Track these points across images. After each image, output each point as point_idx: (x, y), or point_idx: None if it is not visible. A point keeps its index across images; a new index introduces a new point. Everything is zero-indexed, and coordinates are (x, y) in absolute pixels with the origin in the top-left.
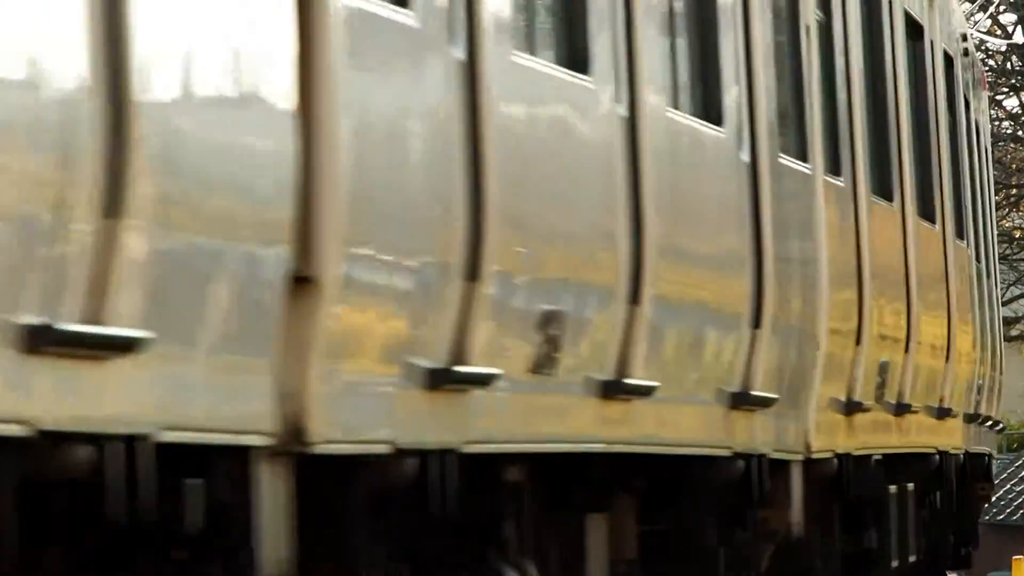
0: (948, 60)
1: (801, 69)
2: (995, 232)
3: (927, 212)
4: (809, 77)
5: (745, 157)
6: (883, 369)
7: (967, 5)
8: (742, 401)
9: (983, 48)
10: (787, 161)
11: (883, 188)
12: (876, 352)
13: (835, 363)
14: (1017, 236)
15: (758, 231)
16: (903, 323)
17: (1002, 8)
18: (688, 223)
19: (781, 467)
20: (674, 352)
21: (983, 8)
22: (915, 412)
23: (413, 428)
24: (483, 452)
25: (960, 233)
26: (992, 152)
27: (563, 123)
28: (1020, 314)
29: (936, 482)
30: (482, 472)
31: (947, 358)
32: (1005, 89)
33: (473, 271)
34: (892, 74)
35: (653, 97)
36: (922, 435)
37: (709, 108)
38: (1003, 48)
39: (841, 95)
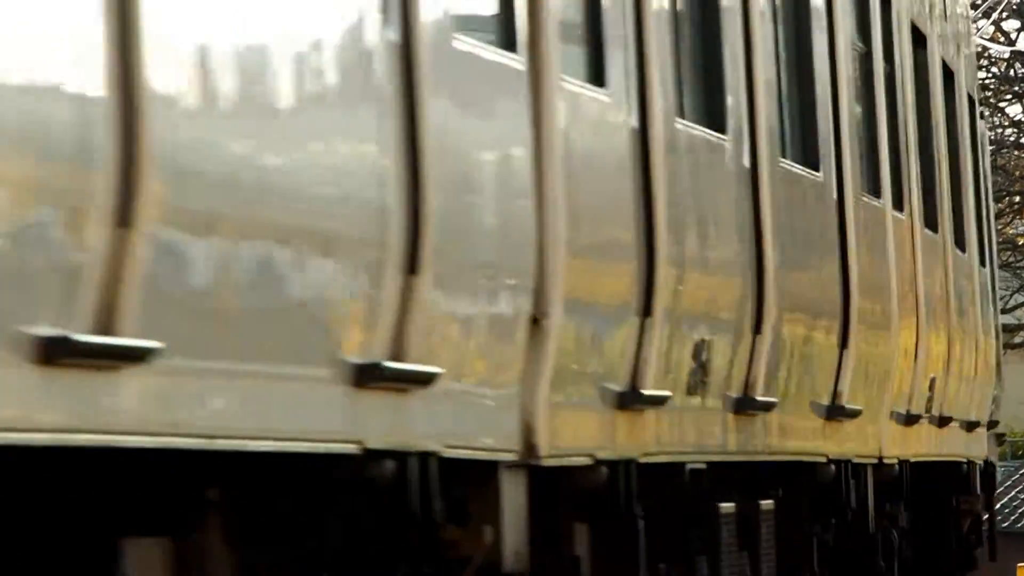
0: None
1: None
2: (989, 213)
3: (809, 160)
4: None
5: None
6: (700, 351)
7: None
8: (375, 376)
9: (986, 55)
10: (491, 53)
11: (713, 120)
12: (686, 330)
13: (595, 340)
14: (1020, 243)
15: (413, 139)
16: (748, 293)
17: (1005, 15)
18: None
19: (490, 472)
20: (205, 307)
21: (986, 15)
22: (770, 410)
23: None
24: None
25: (874, 188)
26: (995, 159)
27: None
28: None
29: (838, 497)
30: None
31: (844, 344)
32: (1008, 96)
33: None
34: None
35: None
36: (794, 440)
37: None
38: (1006, 55)
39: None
